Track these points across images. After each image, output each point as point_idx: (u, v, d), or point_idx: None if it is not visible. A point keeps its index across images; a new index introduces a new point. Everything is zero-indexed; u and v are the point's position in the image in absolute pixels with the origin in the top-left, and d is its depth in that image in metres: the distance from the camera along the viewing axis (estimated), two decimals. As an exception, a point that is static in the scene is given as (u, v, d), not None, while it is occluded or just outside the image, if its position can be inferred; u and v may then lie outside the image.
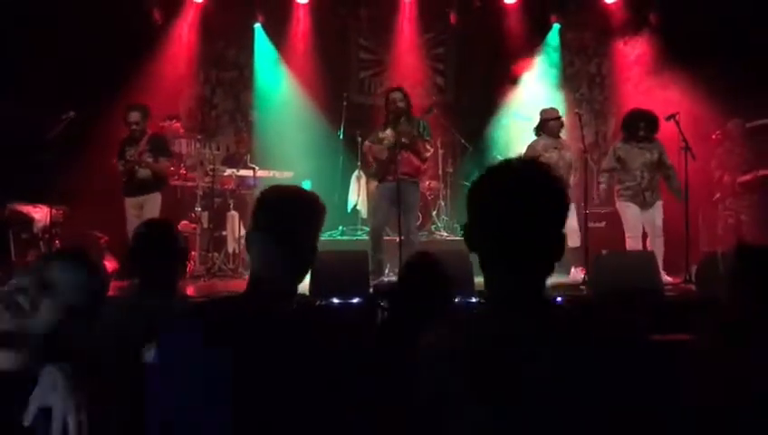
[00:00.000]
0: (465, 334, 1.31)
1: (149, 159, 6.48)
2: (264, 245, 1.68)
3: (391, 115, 6.18)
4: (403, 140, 6.02)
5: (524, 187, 1.31)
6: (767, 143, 6.98)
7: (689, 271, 5.77)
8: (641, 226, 6.22)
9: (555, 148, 6.44)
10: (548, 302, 1.35)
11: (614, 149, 6.37)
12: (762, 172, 6.81)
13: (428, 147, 6.29)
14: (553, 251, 1.33)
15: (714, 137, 7.23)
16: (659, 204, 6.19)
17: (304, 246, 1.70)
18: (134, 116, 6.49)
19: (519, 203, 1.29)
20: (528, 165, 1.37)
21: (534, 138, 6.65)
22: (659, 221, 6.13)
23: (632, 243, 6.20)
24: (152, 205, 6.51)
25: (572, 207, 6.26)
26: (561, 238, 1.34)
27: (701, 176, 6.41)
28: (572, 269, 6.74)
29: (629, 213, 6.25)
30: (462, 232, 1.39)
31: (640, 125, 6.20)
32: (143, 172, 6.47)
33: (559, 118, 6.57)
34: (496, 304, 1.35)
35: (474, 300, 4.61)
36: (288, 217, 1.69)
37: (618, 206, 6.36)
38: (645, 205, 6.18)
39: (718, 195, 7.16)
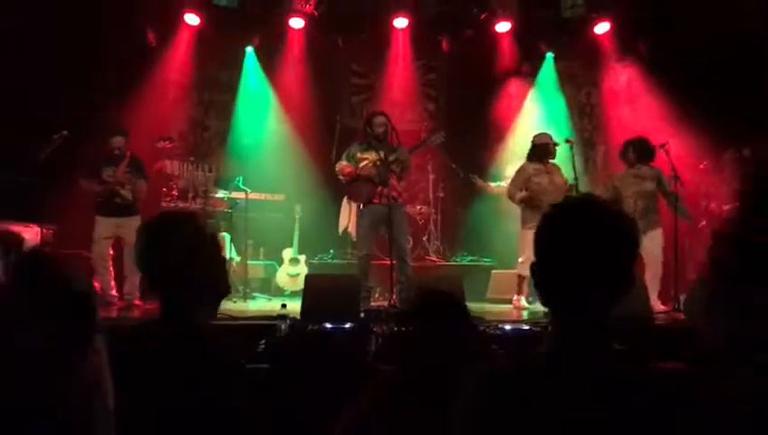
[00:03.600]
0: (522, 371, 1.31)
1: (133, 179, 6.46)
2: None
3: (373, 137, 6.15)
4: (393, 167, 6.04)
5: (595, 226, 1.31)
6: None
7: (678, 299, 5.81)
8: None
9: (546, 172, 6.45)
10: (609, 344, 1.33)
11: (612, 179, 6.47)
12: None
13: (410, 173, 6.34)
14: (621, 291, 1.33)
15: (701, 166, 7.31)
16: (656, 233, 6.19)
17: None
18: (118, 141, 6.45)
19: (589, 243, 1.29)
20: (596, 204, 1.37)
21: (524, 162, 6.62)
22: (658, 250, 6.16)
23: None
24: (134, 229, 6.43)
25: None
26: (631, 277, 1.34)
27: (688, 204, 6.46)
28: None
29: None
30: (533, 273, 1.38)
31: (629, 149, 6.33)
32: (125, 193, 6.42)
33: (549, 143, 6.59)
34: (560, 344, 1.34)
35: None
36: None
37: None
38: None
39: (704, 222, 7.21)
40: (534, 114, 9.05)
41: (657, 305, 5.79)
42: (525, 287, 6.46)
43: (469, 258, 8.32)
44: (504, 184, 8.31)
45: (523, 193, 6.30)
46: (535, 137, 6.66)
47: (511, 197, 6.46)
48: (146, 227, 1.96)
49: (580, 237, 1.30)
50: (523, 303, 6.48)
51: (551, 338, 1.37)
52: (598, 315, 1.32)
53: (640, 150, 6.33)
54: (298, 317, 4.79)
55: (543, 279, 1.35)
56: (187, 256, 1.83)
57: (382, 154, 6.00)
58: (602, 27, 8.51)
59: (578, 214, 1.35)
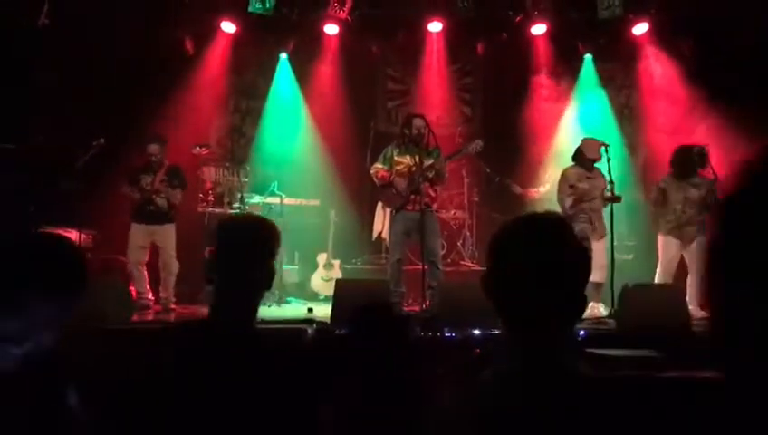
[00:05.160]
0: (482, 400, 1.28)
1: (168, 188, 6.55)
2: (215, 273, 1.85)
3: (410, 140, 6.11)
4: (428, 174, 6.01)
5: (552, 243, 1.29)
6: None
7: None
8: (676, 261, 6.09)
9: (588, 177, 6.26)
10: (568, 369, 1.28)
11: (660, 181, 6.27)
12: None
13: (445, 181, 6.30)
14: (575, 311, 1.30)
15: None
16: (703, 239, 5.91)
17: (248, 270, 1.86)
18: (154, 148, 6.56)
19: (545, 258, 1.27)
20: (556, 221, 1.35)
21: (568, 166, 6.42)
22: (701, 256, 5.91)
23: (661, 276, 6.10)
24: (168, 236, 6.57)
25: (603, 241, 6.16)
26: (583, 299, 1.31)
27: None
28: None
29: (664, 247, 6.16)
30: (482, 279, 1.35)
31: (681, 161, 6.11)
32: (160, 201, 6.51)
33: (581, 149, 6.35)
34: (515, 366, 1.31)
35: (495, 332, 4.55)
36: (230, 244, 1.87)
37: (659, 238, 6.26)
38: (684, 240, 6.06)
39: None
40: (574, 117, 8.90)
41: (698, 312, 5.61)
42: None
43: (505, 263, 8.20)
44: (542, 188, 8.21)
45: (570, 199, 6.16)
46: (583, 140, 6.48)
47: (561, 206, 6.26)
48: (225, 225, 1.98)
49: (540, 253, 1.28)
50: (602, 311, 6.06)
51: (510, 355, 1.33)
52: (549, 334, 1.28)
53: (687, 160, 6.10)
54: (328, 322, 4.81)
55: (495, 289, 1.32)
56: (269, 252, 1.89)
57: (417, 159, 5.97)
58: (640, 28, 8.34)
59: (535, 229, 1.32)
